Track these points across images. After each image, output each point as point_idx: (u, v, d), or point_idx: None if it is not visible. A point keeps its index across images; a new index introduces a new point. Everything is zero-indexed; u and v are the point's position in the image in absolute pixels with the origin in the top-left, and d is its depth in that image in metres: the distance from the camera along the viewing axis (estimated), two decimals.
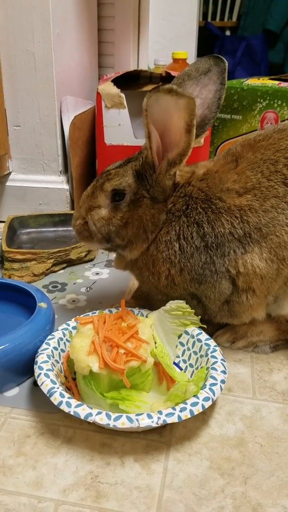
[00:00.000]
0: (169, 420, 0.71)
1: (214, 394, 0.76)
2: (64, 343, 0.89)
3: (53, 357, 0.85)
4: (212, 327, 0.98)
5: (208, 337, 0.90)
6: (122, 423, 0.70)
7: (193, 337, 0.91)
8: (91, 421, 0.71)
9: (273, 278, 0.87)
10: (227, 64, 0.91)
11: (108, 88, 1.42)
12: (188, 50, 2.37)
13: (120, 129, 1.45)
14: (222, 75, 0.92)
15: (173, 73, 1.60)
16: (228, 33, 3.96)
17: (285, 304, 0.92)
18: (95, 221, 0.92)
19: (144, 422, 0.70)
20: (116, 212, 0.90)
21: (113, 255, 1.16)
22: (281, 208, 0.85)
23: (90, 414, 0.71)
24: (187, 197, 0.90)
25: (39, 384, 0.77)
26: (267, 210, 0.85)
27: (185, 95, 0.73)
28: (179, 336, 0.93)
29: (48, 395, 0.75)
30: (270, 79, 1.78)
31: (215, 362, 0.82)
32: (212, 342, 0.88)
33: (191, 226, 0.88)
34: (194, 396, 0.75)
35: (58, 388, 0.76)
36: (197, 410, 0.73)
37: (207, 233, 0.87)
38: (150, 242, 0.91)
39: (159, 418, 0.70)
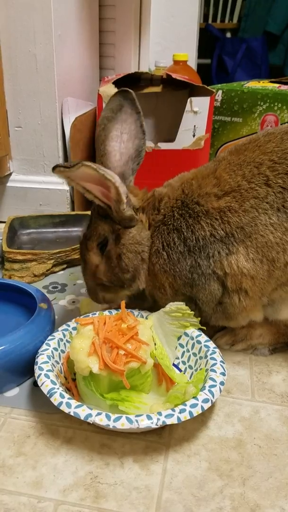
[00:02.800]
0: (168, 421, 0.71)
1: (213, 396, 0.76)
2: (64, 344, 0.89)
3: (53, 357, 0.85)
4: (211, 329, 0.99)
5: (208, 339, 0.90)
6: (122, 424, 0.70)
7: (192, 338, 0.91)
8: (91, 422, 0.71)
9: (265, 279, 0.87)
10: (133, 93, 0.94)
11: (109, 90, 1.42)
12: (189, 52, 2.38)
13: None
14: (134, 105, 0.94)
15: (173, 75, 1.61)
16: (228, 35, 3.96)
17: (282, 309, 0.92)
18: (104, 277, 0.95)
19: (144, 423, 0.71)
20: (109, 257, 0.93)
21: None
22: (262, 208, 0.85)
23: (90, 415, 0.72)
24: (163, 209, 0.93)
25: (39, 385, 0.78)
26: (247, 210, 0.86)
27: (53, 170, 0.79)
28: (179, 338, 0.93)
29: (48, 395, 0.76)
30: (271, 82, 1.78)
31: (214, 364, 0.83)
32: (211, 344, 0.89)
33: (171, 233, 0.91)
34: (193, 397, 0.75)
35: (58, 388, 0.76)
36: (196, 411, 0.73)
37: (188, 237, 0.89)
38: (147, 260, 0.94)
39: (158, 419, 0.71)
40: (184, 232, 0.89)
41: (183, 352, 0.92)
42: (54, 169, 0.78)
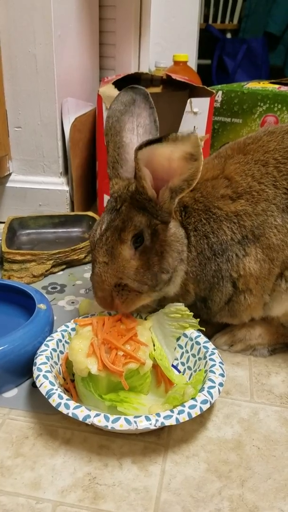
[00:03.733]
0: (167, 423, 0.71)
1: (212, 397, 0.76)
2: (63, 344, 0.89)
3: (52, 358, 0.85)
4: (211, 329, 0.99)
5: (207, 340, 0.90)
6: (120, 425, 0.70)
7: (191, 339, 0.91)
8: (90, 423, 0.71)
9: (266, 277, 0.90)
10: (145, 89, 0.93)
11: (109, 90, 1.42)
12: (189, 52, 2.38)
13: None
14: (147, 100, 0.92)
15: (173, 76, 1.61)
16: (229, 35, 3.96)
17: (274, 306, 0.94)
18: (133, 276, 0.83)
19: (142, 424, 0.70)
20: (146, 254, 0.84)
21: None
22: (270, 211, 0.88)
23: (89, 416, 0.71)
24: (188, 209, 0.91)
25: (38, 386, 0.78)
26: (258, 214, 0.88)
27: (189, 137, 0.70)
28: (178, 339, 0.93)
29: (46, 396, 0.76)
30: (271, 83, 1.78)
31: (213, 365, 0.83)
32: (210, 345, 0.89)
33: (202, 239, 0.90)
34: (192, 398, 0.75)
35: (56, 389, 0.76)
36: (195, 412, 0.73)
37: (214, 243, 0.89)
38: (185, 261, 0.89)
39: (157, 420, 0.71)
40: (212, 238, 0.89)
41: (182, 353, 0.92)
42: (165, 138, 0.70)
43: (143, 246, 0.83)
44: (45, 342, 0.87)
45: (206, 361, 0.85)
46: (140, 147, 0.73)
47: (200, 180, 0.90)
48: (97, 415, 0.72)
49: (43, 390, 0.76)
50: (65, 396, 0.75)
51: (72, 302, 1.18)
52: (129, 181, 0.88)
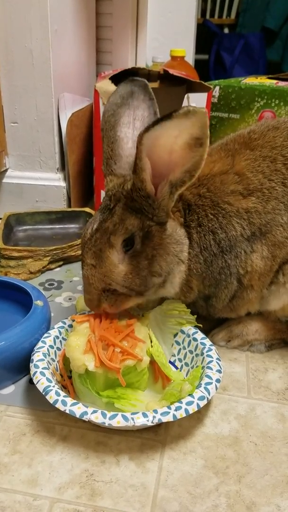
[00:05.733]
0: (164, 419, 0.71)
1: (209, 393, 0.76)
2: (60, 341, 0.89)
3: (49, 355, 0.85)
4: (208, 324, 0.99)
5: (204, 336, 0.90)
6: (118, 422, 0.70)
7: (188, 336, 0.91)
8: (87, 420, 0.71)
9: (268, 273, 0.90)
10: (145, 80, 0.89)
11: (106, 86, 1.41)
12: (186, 47, 2.37)
13: None
14: (147, 91, 0.89)
15: (171, 71, 1.60)
16: (226, 30, 3.95)
17: (271, 300, 0.94)
18: (121, 282, 0.80)
19: (140, 420, 0.70)
20: (136, 258, 0.80)
21: None
22: (279, 209, 0.87)
23: (86, 413, 0.71)
24: (192, 206, 0.88)
25: (35, 382, 0.78)
26: (268, 212, 0.87)
27: (199, 111, 0.68)
28: (175, 335, 0.93)
29: (43, 393, 0.76)
30: (268, 78, 1.78)
31: (210, 361, 0.83)
32: (207, 341, 0.89)
33: (207, 235, 0.87)
34: (189, 395, 0.75)
35: (53, 386, 0.76)
36: (192, 409, 0.73)
37: (222, 239, 0.87)
38: (185, 261, 0.87)
39: (154, 417, 0.71)
40: (220, 234, 0.87)
41: (179, 350, 0.92)
42: (171, 116, 0.67)
43: (133, 250, 0.80)
44: (42, 339, 0.87)
45: (203, 358, 0.85)
46: (147, 129, 0.69)
47: (206, 174, 0.89)
48: (94, 411, 0.71)
49: (40, 387, 0.76)
50: (62, 393, 0.75)
51: (69, 299, 1.17)
52: (124, 178, 0.84)
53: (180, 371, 0.90)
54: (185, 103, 1.47)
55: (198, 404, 0.74)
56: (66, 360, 0.84)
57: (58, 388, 0.76)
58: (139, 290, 0.81)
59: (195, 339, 0.90)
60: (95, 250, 0.80)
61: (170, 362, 0.91)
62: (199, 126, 0.69)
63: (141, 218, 0.80)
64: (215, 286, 0.91)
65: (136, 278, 0.80)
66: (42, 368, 0.79)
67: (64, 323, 0.92)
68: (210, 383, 0.77)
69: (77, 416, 0.71)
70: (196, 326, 0.93)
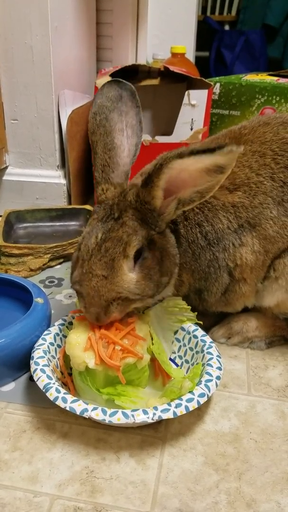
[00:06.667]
0: (165, 416, 0.71)
1: (209, 390, 0.76)
2: (61, 338, 0.89)
3: (49, 352, 0.85)
4: (208, 321, 0.99)
5: (204, 333, 0.90)
6: (118, 419, 0.70)
7: (189, 333, 0.91)
8: (87, 417, 0.71)
9: (260, 268, 0.91)
10: (132, 86, 0.88)
11: None
12: (187, 44, 2.36)
13: None
14: (135, 98, 0.88)
15: (171, 68, 1.59)
16: (227, 27, 3.93)
17: (265, 295, 0.94)
18: (133, 289, 0.78)
19: (140, 417, 0.70)
20: (146, 264, 0.80)
21: None
22: (267, 203, 0.88)
23: (86, 410, 0.71)
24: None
25: (35, 380, 0.78)
26: (255, 207, 0.88)
27: (238, 150, 0.68)
28: (175, 332, 0.93)
29: (44, 390, 0.76)
30: (269, 75, 1.77)
31: (210, 359, 0.83)
32: (208, 339, 0.89)
33: (194, 228, 0.89)
34: (189, 392, 0.75)
35: (54, 383, 0.76)
36: (193, 406, 0.73)
37: (209, 231, 0.89)
38: (177, 263, 0.89)
39: (154, 414, 0.71)
40: (206, 226, 0.89)
41: (180, 347, 0.92)
42: (220, 148, 0.67)
43: (142, 258, 0.80)
44: (42, 336, 0.87)
45: (204, 355, 0.85)
46: (180, 156, 0.69)
47: None
48: (94, 408, 0.72)
49: (40, 384, 0.76)
50: (62, 390, 0.75)
51: (70, 296, 1.17)
52: (122, 187, 0.83)
53: (181, 368, 0.90)
54: (185, 100, 1.47)
55: (198, 401, 0.74)
56: (66, 358, 0.84)
57: (58, 385, 0.76)
58: (152, 293, 0.81)
59: (195, 336, 0.90)
60: (106, 261, 0.77)
61: (170, 359, 0.91)
62: (229, 157, 0.70)
63: (147, 228, 0.81)
64: (205, 280, 0.92)
65: (149, 282, 0.80)
66: (43, 365, 0.79)
67: (65, 320, 0.92)
68: (210, 380, 0.77)
69: (78, 413, 0.71)
70: (196, 323, 0.93)
